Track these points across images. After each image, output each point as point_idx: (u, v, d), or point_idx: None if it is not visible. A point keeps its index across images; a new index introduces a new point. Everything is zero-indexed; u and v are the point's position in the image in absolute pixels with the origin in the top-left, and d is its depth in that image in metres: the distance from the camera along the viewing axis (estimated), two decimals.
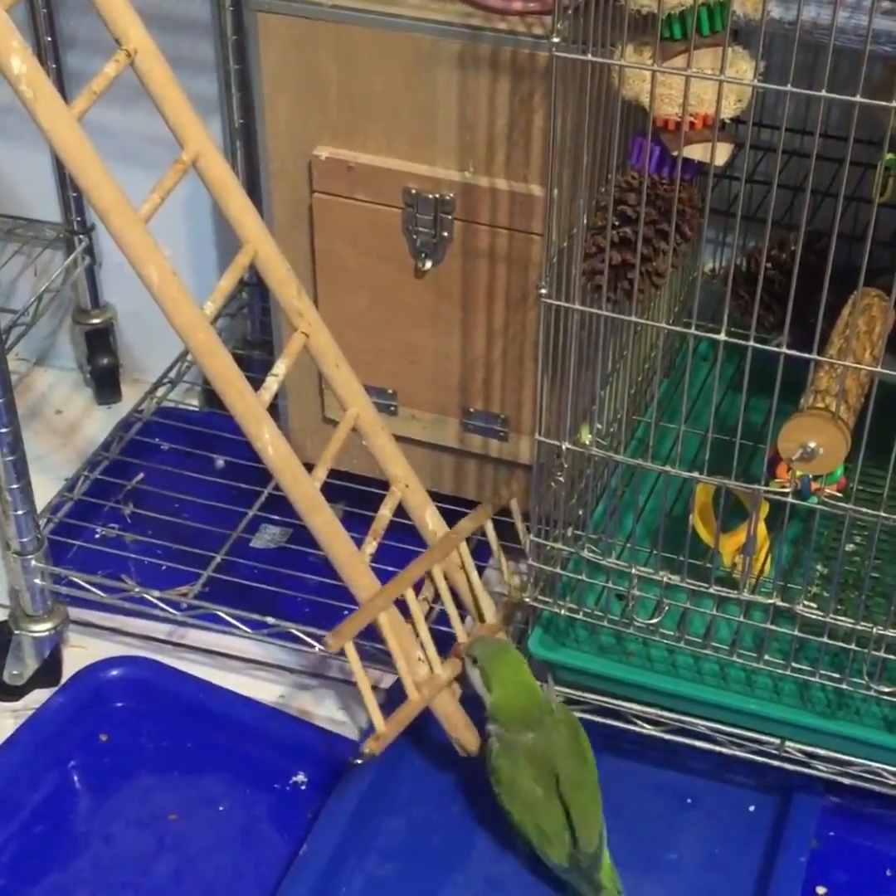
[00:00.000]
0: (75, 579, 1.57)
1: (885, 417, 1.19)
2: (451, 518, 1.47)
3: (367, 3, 1.35)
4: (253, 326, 1.92)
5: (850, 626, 1.29)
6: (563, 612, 1.39)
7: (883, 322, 1.31)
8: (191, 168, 1.23)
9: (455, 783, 1.45)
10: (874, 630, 1.28)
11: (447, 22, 1.33)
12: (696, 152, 1.18)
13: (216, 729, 1.52)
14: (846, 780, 1.35)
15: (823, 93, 1.04)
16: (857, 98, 1.04)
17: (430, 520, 1.43)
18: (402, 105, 1.38)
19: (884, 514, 1.22)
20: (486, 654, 1.36)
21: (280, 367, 1.28)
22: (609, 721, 1.41)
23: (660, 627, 1.36)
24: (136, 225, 1.15)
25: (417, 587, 1.39)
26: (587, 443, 1.33)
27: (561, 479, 1.34)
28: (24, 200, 1.90)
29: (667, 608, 1.36)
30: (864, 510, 1.22)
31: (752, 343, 1.17)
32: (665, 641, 1.37)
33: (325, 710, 1.55)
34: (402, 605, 1.37)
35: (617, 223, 1.20)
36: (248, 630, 1.52)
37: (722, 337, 1.18)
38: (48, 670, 1.58)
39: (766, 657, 1.34)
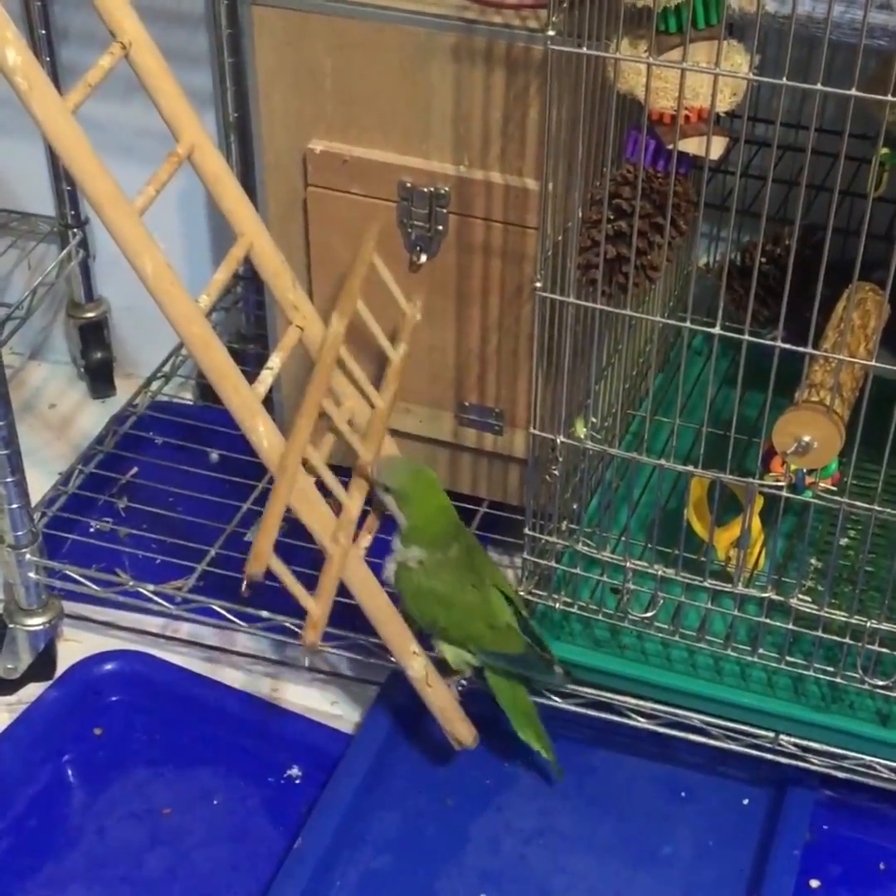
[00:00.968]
0: (70, 573, 1.57)
1: (879, 411, 1.19)
2: None
3: None
4: (247, 320, 1.92)
5: (845, 619, 1.29)
6: (557, 605, 1.40)
7: (877, 316, 1.32)
8: (185, 161, 1.23)
9: (449, 776, 1.45)
10: (868, 624, 1.28)
11: (442, 15, 1.33)
12: (691, 146, 1.18)
13: (210, 723, 1.52)
14: (840, 774, 1.36)
15: (819, 86, 1.04)
16: (853, 92, 1.04)
17: None
18: (396, 98, 1.38)
19: (878, 508, 1.22)
20: (399, 479, 1.31)
21: (275, 361, 1.28)
22: (603, 715, 1.41)
23: (654, 621, 1.36)
24: (130, 217, 1.14)
25: None
26: (582, 436, 1.33)
27: (556, 472, 1.34)
28: (18, 194, 1.90)
29: (661, 602, 1.36)
30: (859, 504, 1.23)
31: (746, 337, 1.18)
32: (660, 635, 1.37)
33: (319, 704, 1.55)
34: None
35: (612, 217, 1.20)
36: (243, 624, 1.52)
37: (717, 331, 1.18)
38: (43, 664, 1.57)
39: (761, 651, 1.34)
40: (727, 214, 1.19)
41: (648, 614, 1.36)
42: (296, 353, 1.32)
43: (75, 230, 1.87)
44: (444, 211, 1.41)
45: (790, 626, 1.31)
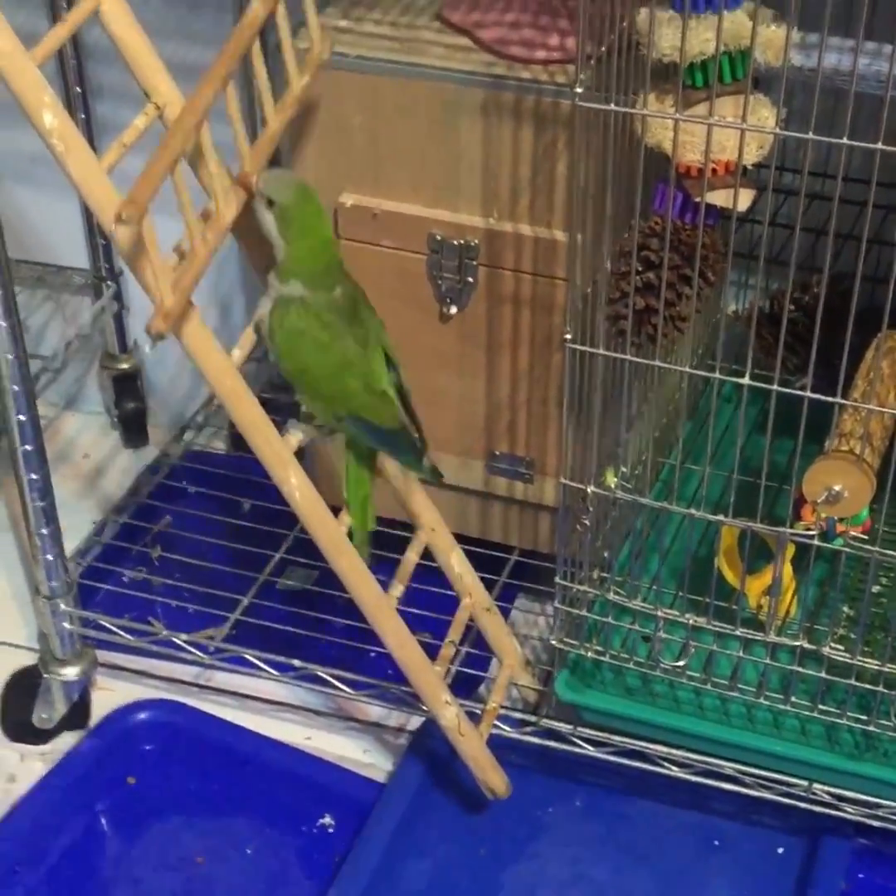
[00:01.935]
0: (103, 623, 1.57)
1: None
2: (476, 560, 1.48)
3: (392, 54, 1.37)
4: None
5: (877, 667, 1.29)
6: (589, 654, 1.40)
7: None
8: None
9: (482, 825, 1.45)
10: None
11: (471, 71, 1.35)
12: (718, 198, 1.19)
13: (243, 772, 1.52)
14: (875, 823, 1.35)
15: (845, 140, 1.05)
16: (879, 145, 1.05)
17: (455, 563, 1.44)
18: (426, 153, 1.39)
19: None
20: (285, 197, 1.18)
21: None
22: (636, 763, 1.41)
23: (686, 669, 1.36)
24: (168, 274, 1.16)
25: None
26: (612, 486, 1.34)
27: (586, 522, 1.34)
28: (53, 247, 1.92)
29: (693, 650, 1.36)
30: (890, 552, 1.23)
31: (775, 387, 1.18)
32: (691, 683, 1.37)
33: (352, 753, 1.55)
34: None
35: (640, 268, 1.21)
36: (275, 672, 1.52)
37: (746, 381, 1.18)
38: (77, 713, 1.58)
39: (793, 699, 1.34)
40: (755, 263, 1.20)
41: (680, 663, 1.36)
42: None
43: (109, 282, 1.89)
44: (474, 263, 1.43)
45: (823, 675, 1.31)
